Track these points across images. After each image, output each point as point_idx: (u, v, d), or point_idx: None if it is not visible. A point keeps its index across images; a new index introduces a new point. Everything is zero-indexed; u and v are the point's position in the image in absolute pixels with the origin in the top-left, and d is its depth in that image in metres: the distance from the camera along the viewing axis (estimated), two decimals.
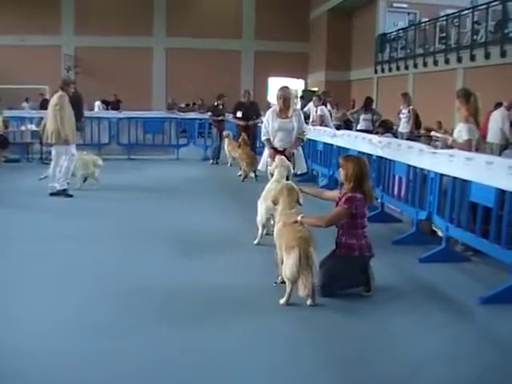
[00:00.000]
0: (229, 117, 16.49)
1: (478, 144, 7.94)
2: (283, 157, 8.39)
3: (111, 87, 29.54)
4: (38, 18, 32.16)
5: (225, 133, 16.24)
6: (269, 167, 8.68)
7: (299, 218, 5.85)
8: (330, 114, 17.15)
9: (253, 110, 14.89)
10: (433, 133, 11.35)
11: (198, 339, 4.81)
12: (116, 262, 6.99)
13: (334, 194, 6.53)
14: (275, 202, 6.44)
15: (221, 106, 17.21)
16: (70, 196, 11.08)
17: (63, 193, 11.12)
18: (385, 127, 14.08)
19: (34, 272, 6.55)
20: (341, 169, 6.24)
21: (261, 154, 9.90)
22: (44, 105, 27.14)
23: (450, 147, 7.95)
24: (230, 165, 16.04)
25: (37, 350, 4.51)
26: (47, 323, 5.08)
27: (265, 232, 7.80)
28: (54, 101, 11.14)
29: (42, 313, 5.33)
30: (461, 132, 7.88)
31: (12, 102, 24.81)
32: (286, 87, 9.21)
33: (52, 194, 11.12)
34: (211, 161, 17.30)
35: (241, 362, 4.47)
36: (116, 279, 6.32)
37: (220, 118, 17.00)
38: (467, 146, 7.65)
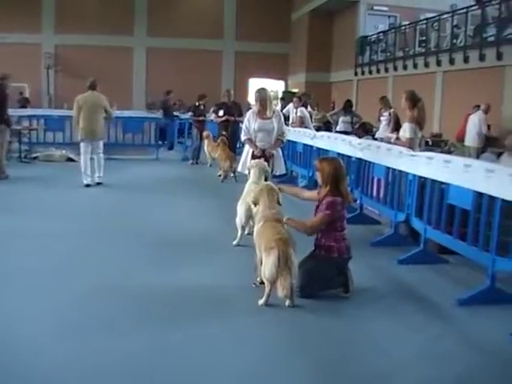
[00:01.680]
0: (210, 116, 16.46)
1: (420, 143, 8.78)
2: (259, 159, 8.44)
3: None
4: (19, 15, 31.88)
5: (205, 133, 16.24)
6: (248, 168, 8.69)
7: (285, 219, 5.85)
8: (311, 116, 17.21)
9: (235, 110, 14.86)
10: (377, 134, 11.54)
11: (175, 340, 4.80)
12: (92, 262, 6.95)
13: (313, 194, 6.55)
14: (255, 203, 6.45)
15: (202, 107, 17.19)
16: None
17: None
18: (364, 130, 14.13)
19: (6, 270, 6.52)
20: (317, 172, 6.27)
21: (241, 154, 9.91)
22: (23, 103, 27.11)
23: (394, 144, 8.71)
24: (210, 165, 16.02)
25: (9, 349, 4.48)
26: (22, 322, 5.04)
27: (246, 232, 7.81)
28: (103, 100, 12.50)
29: (16, 312, 5.29)
30: (405, 131, 8.50)
31: None
32: (263, 89, 9.25)
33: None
34: (191, 161, 17.26)
35: (218, 363, 4.46)
36: (92, 279, 6.28)
37: (201, 119, 16.97)
38: (408, 144, 8.26)
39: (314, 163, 6.53)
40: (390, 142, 9.07)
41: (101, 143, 12.49)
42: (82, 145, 12.18)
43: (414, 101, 8.59)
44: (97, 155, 12.37)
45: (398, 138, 8.89)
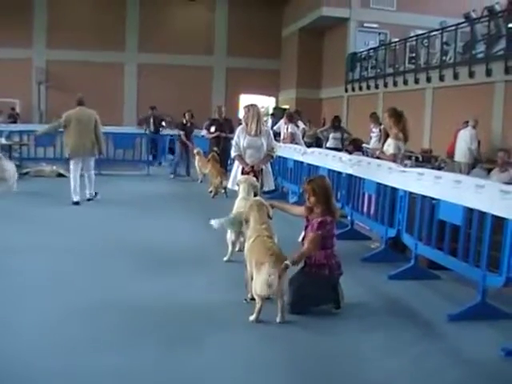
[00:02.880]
0: (201, 132, 16.48)
1: (402, 158, 9.01)
2: (248, 175, 8.45)
3: None
4: (10, 30, 31.84)
5: (195, 150, 16.29)
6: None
7: (289, 264, 5.60)
8: (304, 132, 17.25)
9: (226, 126, 14.86)
10: (364, 145, 11.69)
11: (165, 357, 4.78)
12: (84, 278, 6.92)
13: (301, 209, 6.53)
14: (247, 220, 6.44)
15: (189, 124, 17.19)
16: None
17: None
18: (355, 146, 14.18)
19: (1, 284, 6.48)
20: (307, 194, 6.24)
21: (231, 170, 9.91)
22: (14, 118, 27.11)
23: (377, 158, 9.01)
24: (201, 181, 16.02)
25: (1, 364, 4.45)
26: (12, 338, 5.00)
27: (237, 249, 7.80)
28: (93, 115, 12.22)
29: (6, 327, 5.25)
30: (389, 146, 8.77)
31: None
32: (252, 105, 9.26)
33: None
34: (171, 175, 17.31)
35: (208, 379, 4.44)
36: (84, 295, 6.25)
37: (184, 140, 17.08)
38: (391, 159, 8.53)
39: (303, 186, 6.48)
40: (373, 155, 9.20)
41: (91, 160, 12.41)
42: (71, 162, 12.03)
43: (397, 117, 8.86)
44: (88, 173, 12.31)
45: (382, 152, 9.07)
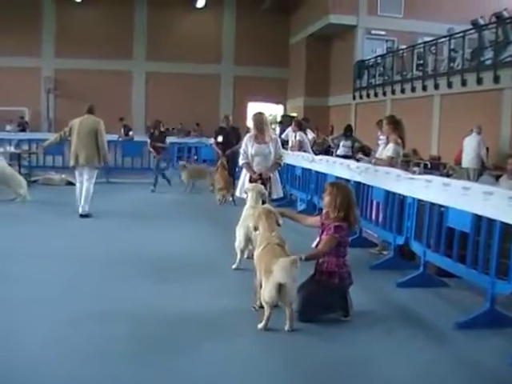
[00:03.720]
0: (209, 141, 16.50)
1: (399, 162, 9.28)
2: (256, 183, 8.47)
3: None
4: (19, 39, 32.05)
5: (180, 164, 16.54)
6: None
7: (303, 257, 5.70)
8: (314, 141, 17.25)
9: (233, 135, 14.87)
10: (358, 155, 11.79)
11: (174, 365, 4.78)
12: (92, 286, 6.92)
13: (316, 220, 6.53)
14: (256, 227, 6.44)
15: (157, 133, 16.90)
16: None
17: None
18: (363, 153, 14.18)
19: (4, 293, 6.50)
20: (327, 196, 6.23)
21: (239, 178, 9.92)
22: (23, 127, 27.29)
23: (375, 164, 9.23)
24: (189, 190, 16.05)
25: (9, 373, 4.46)
26: (19, 345, 5.01)
27: (245, 256, 7.80)
28: (95, 124, 11.56)
29: (14, 335, 5.25)
30: (388, 150, 9.08)
31: None
32: (260, 113, 9.30)
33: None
34: (152, 187, 16.38)
35: None
36: (91, 303, 6.26)
37: (159, 145, 16.65)
38: (388, 162, 8.89)
39: (326, 187, 6.45)
40: (370, 162, 9.37)
41: (92, 171, 11.60)
42: (76, 172, 11.72)
43: (395, 124, 9.17)
44: (85, 184, 11.44)
45: (377, 159, 9.47)
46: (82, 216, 11.29)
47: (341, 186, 6.43)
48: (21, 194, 13.04)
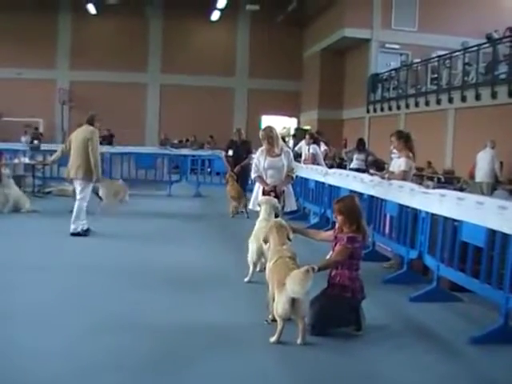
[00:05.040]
0: (221, 154, 16.51)
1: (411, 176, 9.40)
2: (269, 196, 8.46)
3: (105, 122, 29.40)
4: (35, 51, 32.45)
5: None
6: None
7: (316, 267, 5.64)
8: (326, 154, 17.24)
9: (244, 149, 14.87)
10: (371, 171, 11.79)
11: (187, 378, 4.77)
12: (104, 298, 6.93)
13: (329, 235, 6.52)
14: (266, 240, 6.45)
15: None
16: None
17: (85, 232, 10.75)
18: (377, 167, 14.17)
19: (19, 302, 6.53)
20: (338, 215, 6.22)
21: (251, 191, 9.92)
22: (37, 138, 27.44)
23: (388, 179, 9.14)
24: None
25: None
26: (29, 356, 5.02)
27: (258, 269, 7.79)
28: (87, 135, 10.64)
29: (22, 346, 5.26)
30: (401, 166, 9.13)
31: (11, 134, 25.27)
32: (270, 127, 9.34)
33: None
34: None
35: None
36: (100, 316, 6.25)
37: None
38: (401, 176, 8.91)
39: (335, 207, 6.44)
40: (383, 178, 9.37)
41: (84, 186, 10.66)
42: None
43: (405, 138, 9.25)
44: (78, 201, 10.64)
45: (390, 172, 9.48)
46: (72, 235, 10.52)
47: (346, 199, 6.46)
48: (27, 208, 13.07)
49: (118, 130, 29.05)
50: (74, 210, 10.63)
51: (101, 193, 13.70)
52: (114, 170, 18.50)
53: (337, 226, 6.35)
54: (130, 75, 33.80)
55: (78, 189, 10.72)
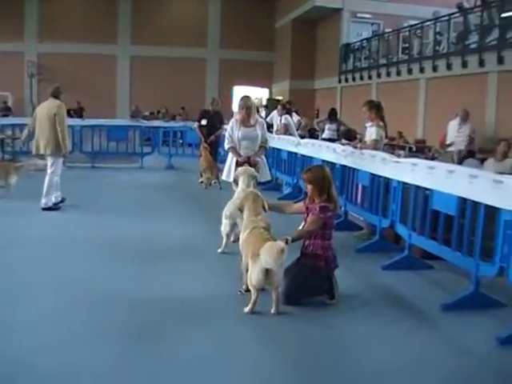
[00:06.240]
0: (193, 125, 16.41)
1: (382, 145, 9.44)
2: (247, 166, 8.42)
3: (74, 95, 29.18)
4: (1, 24, 31.77)
5: None
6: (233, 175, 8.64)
7: (290, 238, 5.72)
8: (300, 124, 17.21)
9: (217, 119, 14.83)
10: (343, 141, 11.83)
11: (161, 349, 4.78)
12: (76, 272, 6.89)
13: (300, 206, 6.53)
14: (241, 209, 6.44)
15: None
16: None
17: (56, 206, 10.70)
18: (349, 136, 14.16)
19: None
20: (308, 185, 6.25)
21: (223, 162, 9.89)
22: (6, 112, 27.07)
23: (360, 148, 9.16)
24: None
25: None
26: (8, 332, 5.00)
27: (231, 239, 7.80)
28: (53, 110, 10.41)
29: (4, 322, 5.24)
30: (371, 134, 9.12)
31: None
32: (247, 97, 9.22)
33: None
34: None
35: (201, 371, 4.45)
36: (75, 289, 6.24)
37: None
38: (373, 145, 8.95)
39: (303, 177, 6.48)
40: (355, 147, 9.40)
41: (54, 160, 10.58)
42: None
43: (376, 108, 9.23)
44: (49, 175, 10.55)
45: (361, 141, 9.61)
46: (44, 209, 10.46)
47: (314, 169, 6.47)
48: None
49: (88, 103, 28.76)
50: (45, 184, 10.51)
51: None
52: (84, 143, 18.34)
53: (308, 196, 6.36)
54: (99, 47, 33.32)
55: (48, 164, 10.61)
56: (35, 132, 10.63)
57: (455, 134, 15.24)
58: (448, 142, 15.45)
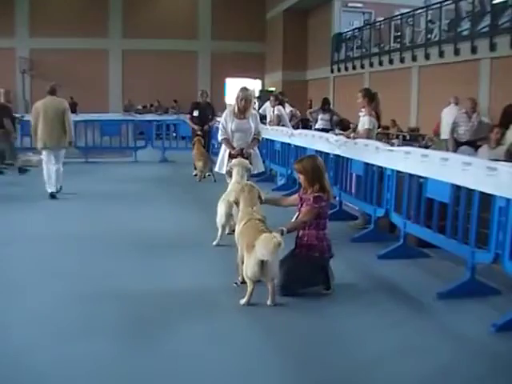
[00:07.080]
0: (185, 117, 16.38)
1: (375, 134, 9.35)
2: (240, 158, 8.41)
3: (67, 90, 29.00)
4: None
5: None
6: (227, 167, 8.62)
7: (285, 229, 5.77)
8: (292, 115, 17.18)
9: (209, 110, 14.85)
10: (336, 131, 11.83)
11: (158, 342, 4.77)
12: (73, 265, 6.90)
13: (295, 198, 6.52)
14: (236, 202, 6.43)
15: None
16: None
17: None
18: (342, 126, 14.17)
19: None
20: (300, 175, 6.25)
21: (216, 154, 9.87)
22: None
23: (354, 138, 9.17)
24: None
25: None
26: (6, 325, 5.00)
27: (227, 231, 7.80)
28: (61, 105, 11.31)
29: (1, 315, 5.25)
30: (364, 124, 9.04)
31: None
32: (247, 88, 9.15)
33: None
34: None
35: (199, 364, 4.44)
36: (73, 282, 6.24)
37: None
38: (366, 134, 8.91)
39: (295, 167, 6.49)
40: (348, 137, 9.41)
41: (60, 152, 11.46)
42: (44, 153, 11.44)
43: (370, 96, 9.16)
44: (56, 165, 11.31)
45: (354, 131, 9.53)
46: (52, 195, 11.16)
47: (306, 159, 6.43)
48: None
49: (81, 98, 28.64)
50: (55, 174, 11.22)
51: None
52: (77, 138, 18.23)
53: (301, 188, 6.36)
54: (91, 41, 33.21)
55: (57, 155, 11.32)
56: (38, 128, 11.20)
57: (464, 127, 15.17)
58: (443, 135, 15.42)
